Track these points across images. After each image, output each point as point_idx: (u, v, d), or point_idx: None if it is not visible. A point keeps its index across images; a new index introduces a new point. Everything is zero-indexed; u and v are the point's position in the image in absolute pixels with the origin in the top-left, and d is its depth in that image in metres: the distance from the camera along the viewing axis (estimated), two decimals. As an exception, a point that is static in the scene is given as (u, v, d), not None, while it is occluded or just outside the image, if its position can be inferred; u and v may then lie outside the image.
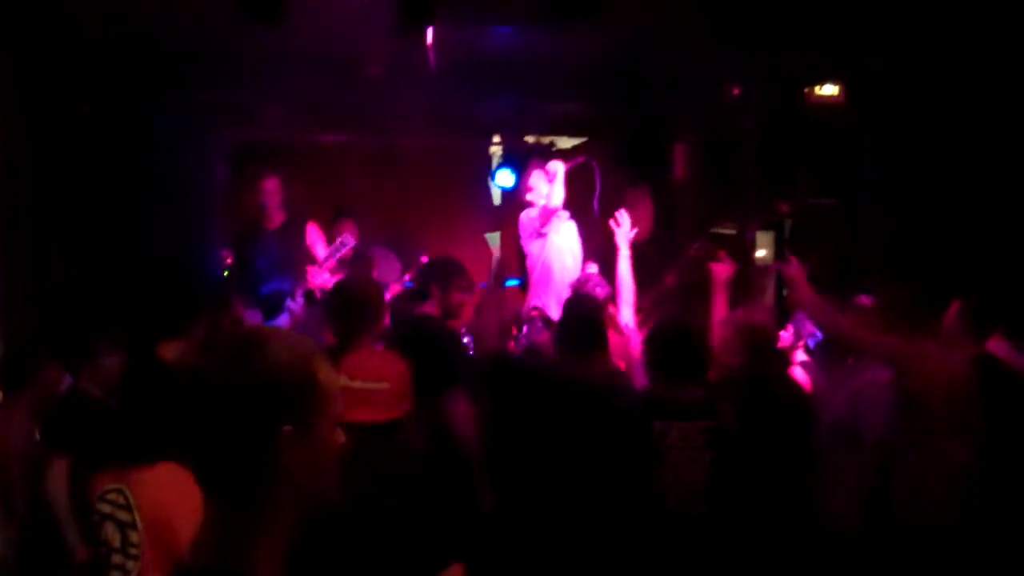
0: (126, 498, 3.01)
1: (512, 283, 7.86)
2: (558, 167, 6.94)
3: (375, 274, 6.99)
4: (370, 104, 7.64)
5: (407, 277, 7.39)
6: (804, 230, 8.62)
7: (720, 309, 5.55)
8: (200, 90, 7.14)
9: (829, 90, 7.66)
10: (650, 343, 4.42)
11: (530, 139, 9.26)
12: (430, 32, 6.04)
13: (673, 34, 6.76)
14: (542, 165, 7.14)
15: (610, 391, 4.48)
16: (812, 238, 8.46)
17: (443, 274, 5.48)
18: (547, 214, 6.91)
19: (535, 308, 6.33)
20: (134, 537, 2.98)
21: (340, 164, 8.71)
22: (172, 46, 6.67)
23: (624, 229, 6.40)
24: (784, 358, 5.52)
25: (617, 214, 6.48)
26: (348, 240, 6.76)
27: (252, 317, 6.16)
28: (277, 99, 7.64)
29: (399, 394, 3.36)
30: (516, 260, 8.11)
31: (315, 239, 7.24)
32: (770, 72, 7.51)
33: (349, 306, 4.59)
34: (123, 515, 3.01)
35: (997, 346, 5.07)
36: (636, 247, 7.12)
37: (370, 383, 3.29)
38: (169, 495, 3.01)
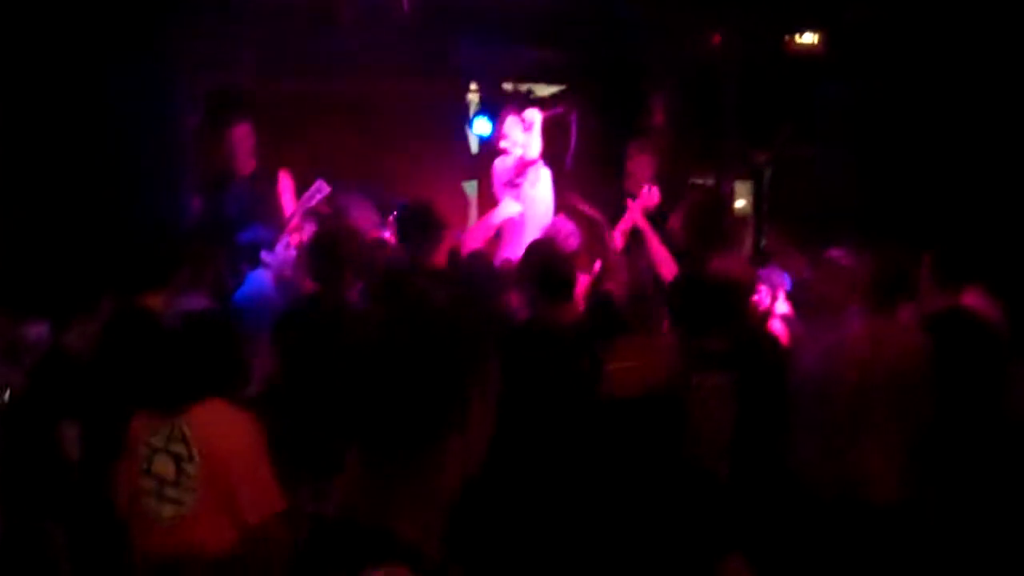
0: (182, 432, 3.06)
1: None
2: (535, 116, 6.83)
3: (352, 223, 6.94)
4: (343, 49, 7.52)
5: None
6: (782, 180, 8.60)
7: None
8: (167, 36, 6.98)
9: (809, 39, 7.59)
10: (674, 294, 4.40)
11: (507, 86, 9.15)
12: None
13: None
14: (518, 112, 7.02)
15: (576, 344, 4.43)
16: (791, 188, 8.43)
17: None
18: (523, 165, 6.81)
19: (507, 260, 6.24)
20: (190, 470, 3.04)
21: (314, 111, 8.57)
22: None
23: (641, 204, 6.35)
24: (764, 312, 5.52)
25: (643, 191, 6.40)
26: (323, 187, 6.66)
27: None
28: (247, 45, 7.50)
29: None
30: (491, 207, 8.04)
31: (286, 188, 7.14)
32: (750, 20, 7.43)
33: (332, 255, 4.68)
34: (179, 448, 3.07)
35: (973, 298, 5.07)
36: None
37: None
38: (223, 430, 3.13)
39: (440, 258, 5.31)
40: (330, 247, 4.79)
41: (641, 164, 7.12)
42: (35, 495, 4.21)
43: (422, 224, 5.30)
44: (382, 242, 6.13)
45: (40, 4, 6.40)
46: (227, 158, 7.18)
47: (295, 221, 6.33)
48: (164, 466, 3.09)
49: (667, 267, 5.66)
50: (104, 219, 6.33)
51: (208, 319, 3.66)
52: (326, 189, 6.62)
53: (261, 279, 5.73)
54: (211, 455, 3.09)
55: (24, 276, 5.69)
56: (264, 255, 5.90)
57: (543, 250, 4.93)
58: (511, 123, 6.94)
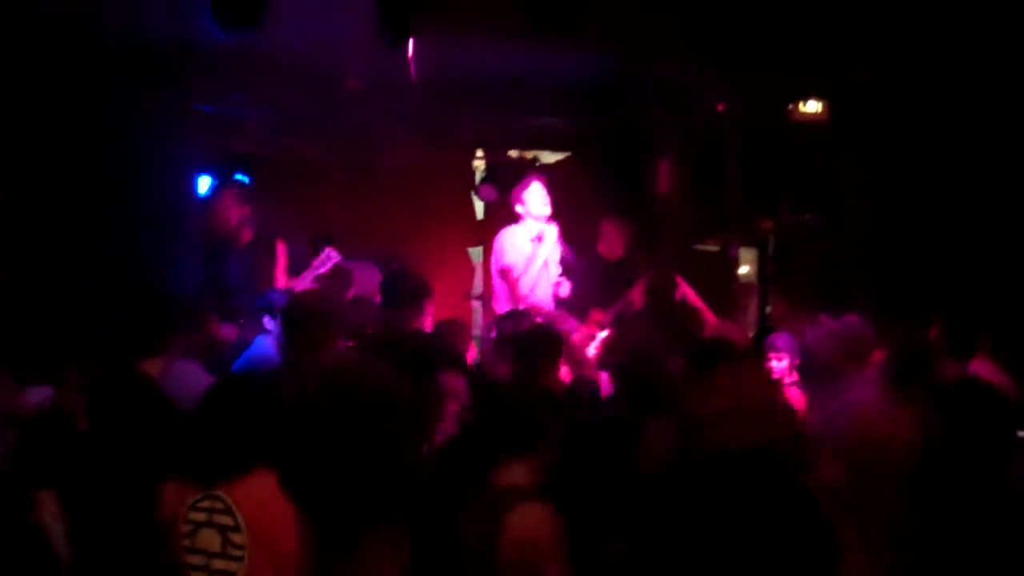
0: (225, 503, 2.99)
1: None
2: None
3: (355, 288, 6.95)
4: (352, 117, 7.59)
5: None
6: (787, 247, 8.60)
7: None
8: (180, 100, 7.06)
9: (813, 107, 7.64)
10: (685, 364, 4.32)
11: (513, 153, 9.22)
12: (411, 45, 5.97)
13: (657, 50, 6.73)
14: (541, 179, 7.13)
15: None
16: (795, 255, 8.44)
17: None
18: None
19: None
20: (238, 539, 2.95)
21: (322, 177, 8.63)
22: (152, 54, 6.60)
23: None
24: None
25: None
26: (332, 255, 6.70)
27: (227, 332, 6.07)
28: (258, 111, 7.58)
29: None
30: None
31: (281, 257, 7.16)
32: (754, 88, 7.49)
33: (302, 320, 4.53)
34: (224, 519, 2.98)
35: (981, 366, 5.04)
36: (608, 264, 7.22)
37: None
38: (269, 497, 3.02)
39: (422, 324, 5.26)
40: (300, 314, 4.65)
41: (616, 237, 7.62)
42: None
43: (404, 291, 5.26)
44: (370, 304, 6.10)
45: (52, 64, 6.46)
46: (225, 223, 7.19)
47: (304, 287, 6.33)
48: (209, 539, 3.04)
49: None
50: (106, 281, 6.33)
51: (252, 387, 3.58)
52: (336, 257, 6.65)
53: (264, 345, 5.67)
54: (259, 522, 3.04)
55: (24, 338, 5.66)
56: (267, 321, 5.84)
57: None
58: (533, 189, 7.03)
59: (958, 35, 6.34)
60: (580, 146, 9.08)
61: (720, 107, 8.07)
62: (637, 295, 6.96)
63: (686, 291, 6.52)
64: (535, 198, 6.99)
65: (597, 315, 6.68)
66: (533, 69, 7.04)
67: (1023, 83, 6.46)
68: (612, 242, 7.61)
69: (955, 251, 6.93)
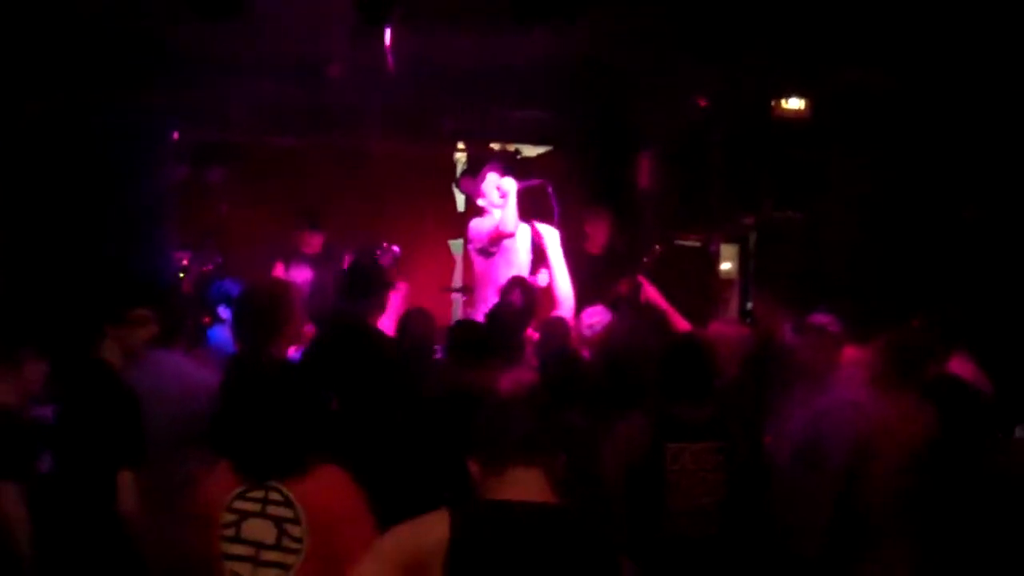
0: (284, 496, 2.96)
1: None
2: (510, 186, 6.78)
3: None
4: (332, 107, 7.53)
5: None
6: (769, 243, 8.59)
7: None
8: (157, 89, 6.97)
9: (795, 104, 7.61)
10: (658, 361, 4.27)
11: (495, 146, 9.17)
12: (387, 34, 5.90)
13: (640, 44, 6.70)
14: (498, 169, 7.01)
15: None
16: (777, 251, 8.42)
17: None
18: (498, 236, 6.76)
19: None
20: (296, 532, 2.94)
21: (300, 167, 8.58)
22: (128, 44, 6.52)
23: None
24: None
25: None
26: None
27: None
28: (236, 100, 7.49)
29: None
30: (467, 267, 8.05)
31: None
32: (737, 84, 7.46)
33: (254, 312, 4.34)
34: (281, 511, 2.95)
35: (959, 365, 5.01)
36: (594, 258, 7.15)
37: None
38: (328, 489, 3.01)
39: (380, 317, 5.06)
40: (249, 305, 4.41)
41: (597, 227, 7.42)
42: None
43: (367, 281, 5.01)
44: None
45: (27, 54, 6.38)
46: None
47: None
48: (261, 530, 2.96)
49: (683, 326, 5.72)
50: (80, 269, 6.26)
51: (300, 379, 3.31)
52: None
53: (219, 335, 5.43)
54: (318, 516, 2.97)
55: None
56: (222, 311, 5.62)
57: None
58: (489, 181, 6.91)
59: (942, 34, 6.33)
60: (562, 140, 9.03)
61: (703, 103, 8.04)
62: (623, 291, 6.89)
63: (650, 293, 6.42)
64: (490, 187, 6.91)
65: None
66: (514, 61, 6.99)
67: (1004, 82, 6.47)
68: (595, 234, 7.56)
69: (935, 249, 6.94)
